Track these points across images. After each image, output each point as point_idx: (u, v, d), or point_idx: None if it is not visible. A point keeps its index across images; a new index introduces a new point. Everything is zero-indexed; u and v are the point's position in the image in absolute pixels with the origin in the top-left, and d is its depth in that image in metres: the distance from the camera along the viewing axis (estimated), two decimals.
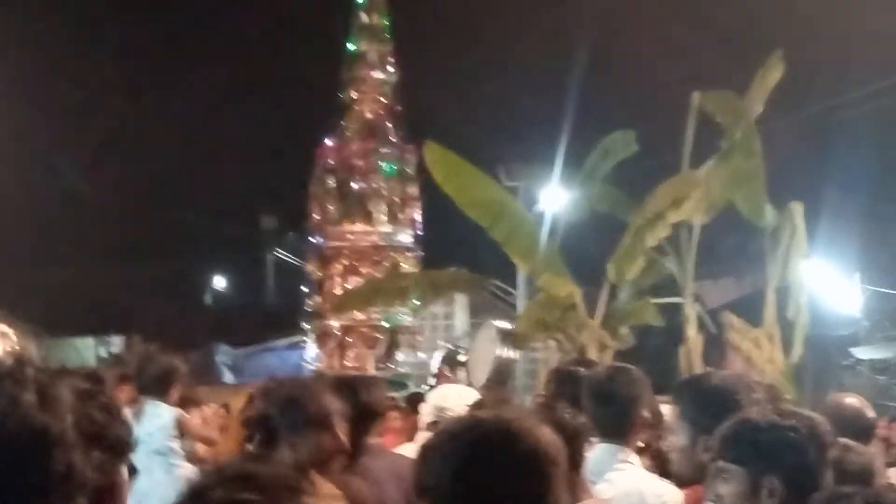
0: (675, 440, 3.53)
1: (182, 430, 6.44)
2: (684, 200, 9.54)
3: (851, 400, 4.62)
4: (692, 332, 10.12)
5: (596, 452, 3.86)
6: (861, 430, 4.34)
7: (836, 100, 15.80)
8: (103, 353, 19.24)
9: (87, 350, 19.78)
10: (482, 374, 9.99)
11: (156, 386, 6.36)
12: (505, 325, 10.76)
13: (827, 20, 15.06)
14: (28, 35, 21.16)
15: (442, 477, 2.08)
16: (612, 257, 10.05)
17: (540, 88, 18.26)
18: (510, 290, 16.37)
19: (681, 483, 3.59)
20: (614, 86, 18.27)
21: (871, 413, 4.60)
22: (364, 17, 16.29)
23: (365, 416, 4.29)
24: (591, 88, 14.51)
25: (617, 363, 4.44)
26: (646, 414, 4.04)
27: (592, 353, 9.69)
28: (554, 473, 2.07)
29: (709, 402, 3.40)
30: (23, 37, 20.71)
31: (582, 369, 4.77)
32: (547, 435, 2.10)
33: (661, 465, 4.26)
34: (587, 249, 11.38)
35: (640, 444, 4.29)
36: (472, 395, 5.33)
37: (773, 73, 10.18)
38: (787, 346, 9.96)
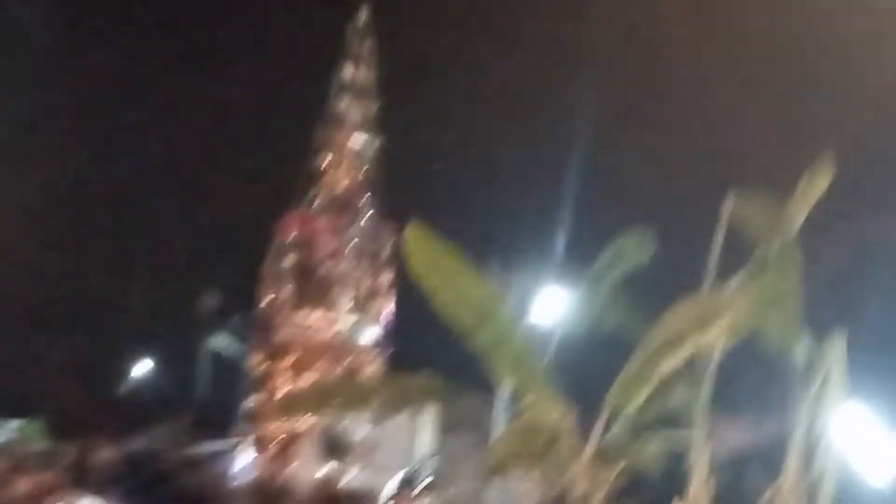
0: None
1: None
2: (709, 324, 9.56)
3: None
4: (699, 479, 10.08)
5: None
6: None
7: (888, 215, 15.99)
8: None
9: None
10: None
11: (99, 486, 6.36)
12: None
13: (884, 121, 15.32)
14: None
15: None
16: (615, 381, 10.04)
17: (548, 173, 18.42)
18: (489, 407, 16.32)
19: None
20: (632, 179, 18.46)
21: None
22: (349, 72, 16.44)
23: None
24: (606, 177, 14.68)
25: None
26: None
27: (580, 492, 9.65)
28: None
29: None
30: None
31: None
32: None
33: None
34: (585, 369, 11.37)
35: None
36: None
37: (820, 180, 10.29)
38: None
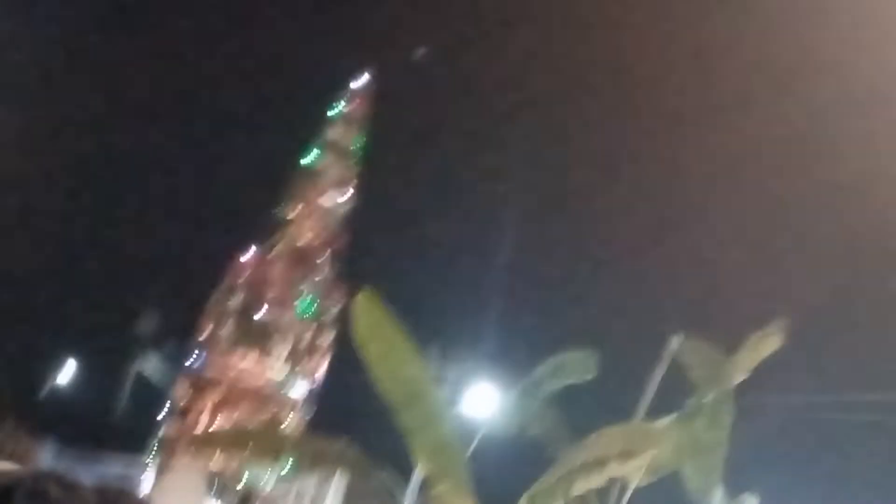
0: None
1: None
2: (634, 455, 9.57)
3: None
4: None
5: None
6: None
7: (819, 396, 16.17)
8: None
9: None
10: None
11: None
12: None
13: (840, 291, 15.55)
14: None
15: None
16: (528, 491, 10.03)
17: (510, 273, 18.52)
18: (401, 486, 16.21)
19: None
20: (584, 301, 18.59)
21: None
22: (334, 133, 16.49)
23: None
24: (556, 296, 14.78)
25: None
26: None
27: None
28: None
29: None
30: None
31: None
32: None
33: None
34: (503, 471, 11.36)
35: None
36: None
37: (767, 343, 10.39)
38: None
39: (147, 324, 28.36)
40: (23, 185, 24.43)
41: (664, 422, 10.38)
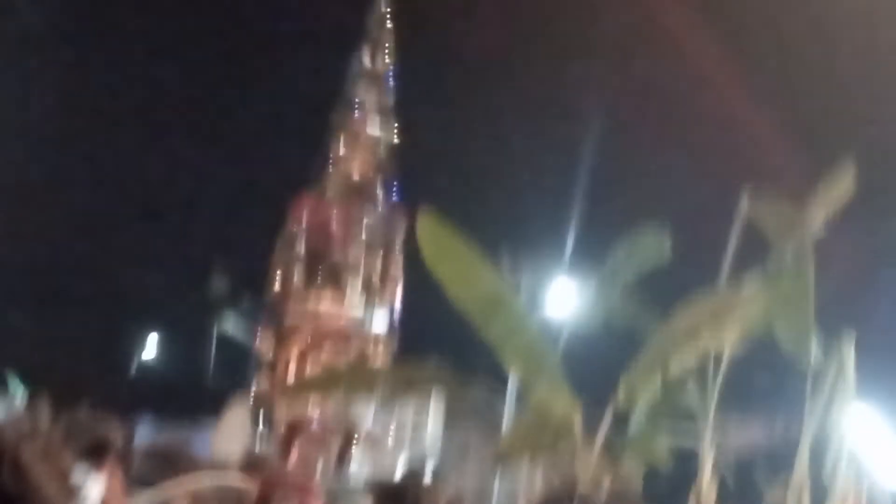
0: None
1: None
2: (721, 323, 9.54)
3: None
4: (707, 477, 10.07)
5: None
6: None
7: None
8: (1, 410, 19.07)
9: None
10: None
11: (88, 456, 6.25)
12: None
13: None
14: None
15: None
16: (624, 377, 10.03)
17: (562, 168, 18.40)
18: (498, 397, 16.31)
19: None
20: (646, 175, 18.43)
21: None
22: (366, 60, 16.40)
23: None
24: (618, 176, 14.65)
25: (617, 496, 4.45)
26: None
27: (585, 487, 9.63)
28: None
29: None
30: None
31: (572, 501, 4.79)
32: None
33: None
34: (595, 364, 11.35)
35: None
36: None
37: (840, 186, 10.27)
38: None
39: (219, 285, 28.66)
40: (87, 158, 24.65)
41: (748, 284, 10.33)
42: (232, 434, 9.69)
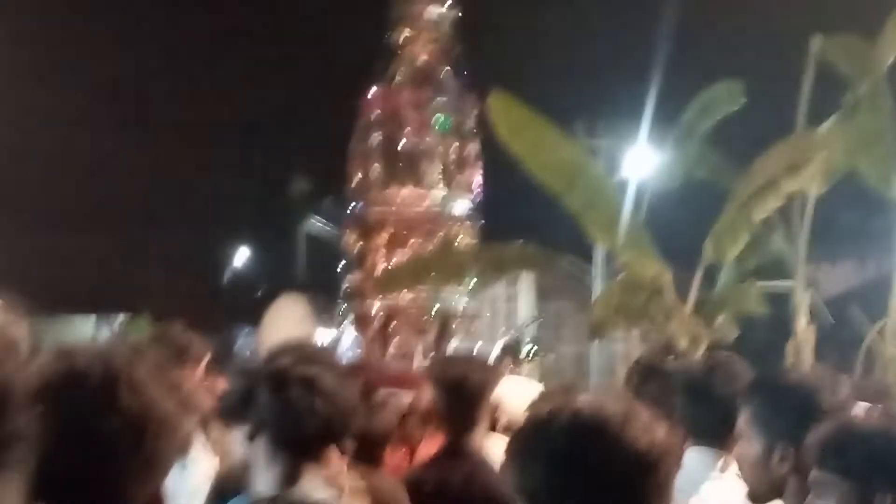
0: (748, 449, 3.55)
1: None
2: (802, 166, 9.50)
3: None
4: (803, 324, 10.13)
5: (688, 459, 3.91)
6: None
7: None
8: (105, 333, 19.53)
9: (86, 329, 20.14)
10: None
11: (174, 363, 6.37)
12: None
13: None
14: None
15: (531, 476, 2.10)
16: (710, 233, 10.07)
17: (626, 28, 18.22)
18: (586, 268, 16.40)
19: (755, 500, 3.62)
20: (716, 26, 18.18)
21: None
22: None
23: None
24: (689, 28, 14.45)
25: (716, 354, 4.50)
26: None
27: (683, 346, 9.73)
28: (661, 479, 2.07)
29: (787, 404, 3.44)
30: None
31: (671, 362, 4.86)
32: (657, 430, 2.09)
33: None
34: (680, 223, 11.40)
35: None
36: (536, 389, 5.46)
37: None
38: None
39: (300, 187, 28.95)
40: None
41: (826, 125, 10.26)
42: (280, 327, 9.69)
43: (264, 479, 3.48)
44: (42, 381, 1.85)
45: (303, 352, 3.70)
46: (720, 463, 3.99)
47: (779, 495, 3.42)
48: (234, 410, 3.58)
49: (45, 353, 1.94)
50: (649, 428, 2.08)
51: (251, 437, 3.51)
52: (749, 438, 3.51)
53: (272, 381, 3.55)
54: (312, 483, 3.47)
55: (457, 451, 4.74)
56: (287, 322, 10.69)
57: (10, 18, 19.55)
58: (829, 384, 3.51)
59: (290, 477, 3.44)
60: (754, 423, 3.50)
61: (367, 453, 4.58)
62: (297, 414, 3.43)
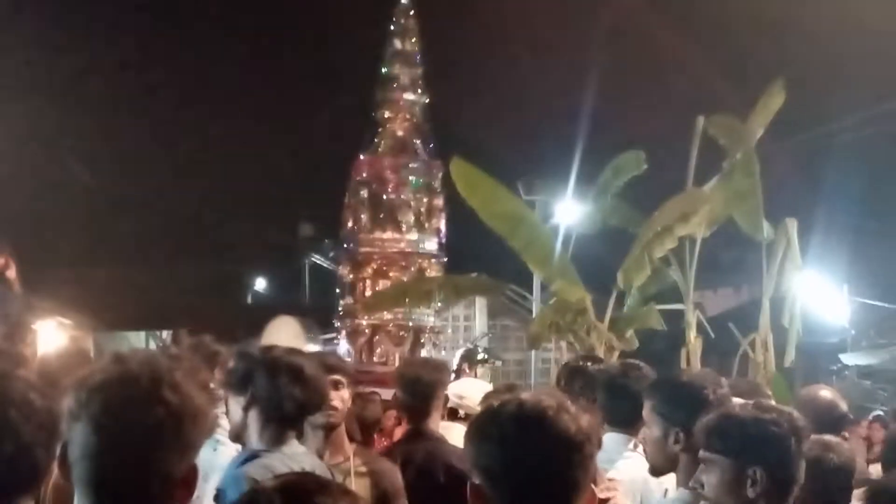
0: (649, 433, 3.55)
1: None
2: (691, 215, 9.55)
3: (825, 392, 4.58)
4: (692, 336, 10.14)
5: (606, 441, 3.91)
6: (833, 421, 4.32)
7: (829, 124, 15.83)
8: (153, 345, 19.38)
9: (138, 343, 19.97)
10: None
11: (205, 366, 6.31)
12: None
13: (822, 50, 15.08)
14: (65, 39, 21.27)
15: (485, 453, 2.08)
16: (621, 266, 10.08)
17: (556, 111, 18.31)
18: (526, 294, 16.38)
19: (655, 473, 3.62)
20: (626, 107, 18.29)
21: (843, 405, 4.54)
22: (397, 44, 16.32)
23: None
24: (605, 110, 14.54)
25: (629, 360, 4.50)
26: None
27: (600, 354, 9.72)
28: (586, 455, 2.07)
29: (679, 398, 3.44)
30: (60, 39, 20.83)
31: (590, 365, 4.85)
32: (583, 417, 2.09)
33: None
34: (597, 259, 11.41)
35: None
36: (487, 387, 5.43)
37: (774, 100, 10.20)
38: (780, 352, 9.97)
39: (306, 231, 28.96)
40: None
41: (709, 184, 10.33)
42: (276, 341, 9.57)
43: (256, 441, 3.48)
44: (103, 380, 1.87)
45: (291, 349, 3.75)
46: (631, 444, 3.98)
47: (673, 469, 3.42)
48: (235, 385, 3.59)
49: (105, 357, 1.94)
50: (576, 416, 2.08)
51: (246, 409, 3.52)
52: (650, 425, 3.51)
53: (267, 366, 3.56)
54: (293, 447, 3.49)
55: (416, 433, 4.70)
56: (282, 337, 10.58)
57: (55, 53, 19.31)
58: (712, 383, 3.52)
59: (277, 441, 3.46)
60: (654, 412, 3.50)
61: (361, 436, 4.57)
62: (283, 395, 3.46)
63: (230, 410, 3.63)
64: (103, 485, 1.86)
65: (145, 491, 1.85)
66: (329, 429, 4.02)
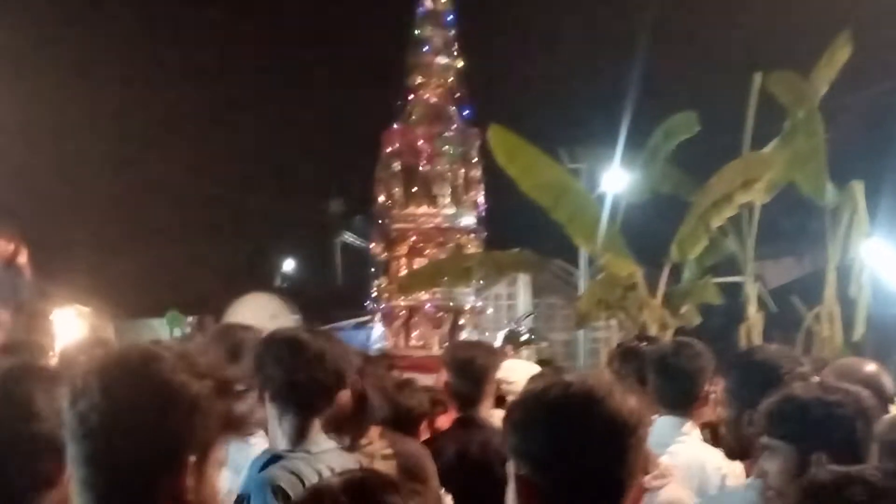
0: (724, 414, 3.53)
1: None
2: (752, 182, 9.47)
3: (870, 367, 4.45)
4: (752, 310, 10.07)
5: (658, 425, 3.88)
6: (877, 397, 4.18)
7: None
8: (178, 332, 19.52)
9: (162, 330, 20.15)
10: None
11: (229, 358, 6.32)
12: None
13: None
14: (98, 16, 21.43)
15: (531, 441, 2.08)
16: (675, 237, 10.02)
17: (602, 71, 18.18)
18: (573, 270, 16.34)
19: (730, 456, 3.60)
20: (676, 67, 18.12)
21: (888, 382, 4.38)
22: (428, 3, 16.22)
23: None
24: (653, 70, 14.38)
25: (681, 338, 4.46)
26: (710, 388, 4.04)
27: (653, 332, 9.67)
28: (638, 439, 2.07)
29: (754, 377, 3.38)
30: (92, 17, 20.99)
31: (644, 345, 4.81)
32: (632, 400, 2.09)
33: (715, 439, 4.29)
34: (648, 230, 11.34)
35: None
36: (534, 370, 5.41)
37: (840, 54, 10.06)
38: (848, 324, 9.88)
39: (336, 208, 29.05)
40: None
41: (769, 147, 10.22)
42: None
43: (281, 436, 3.40)
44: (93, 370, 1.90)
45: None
46: (686, 427, 3.96)
47: (749, 454, 3.37)
48: (253, 373, 3.50)
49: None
50: (625, 398, 2.07)
51: (261, 398, 3.44)
52: (725, 405, 3.49)
53: (273, 347, 3.51)
54: (320, 443, 3.38)
55: (469, 422, 4.71)
56: (252, 315, 10.49)
57: (75, 31, 19.45)
58: (788, 360, 3.48)
59: (301, 434, 3.37)
60: (728, 392, 3.48)
61: (405, 428, 4.55)
62: (297, 377, 3.38)
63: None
64: (95, 485, 1.88)
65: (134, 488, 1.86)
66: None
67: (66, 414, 1.89)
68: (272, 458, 3.31)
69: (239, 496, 3.29)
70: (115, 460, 1.86)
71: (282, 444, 3.39)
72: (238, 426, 1.98)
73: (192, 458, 1.89)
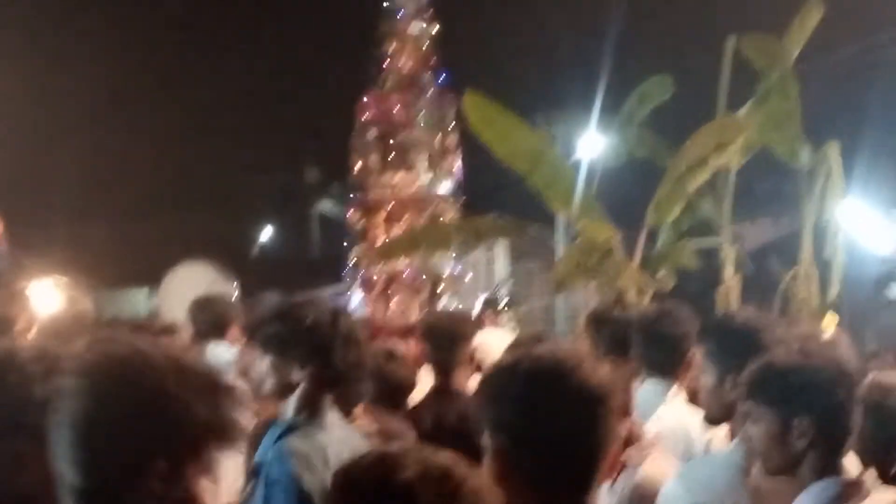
0: (703, 380, 3.52)
1: (246, 367, 6.41)
2: (727, 145, 9.46)
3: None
4: (730, 273, 10.09)
5: (645, 389, 3.88)
6: None
7: (873, 39, 15.56)
8: (155, 303, 19.43)
9: (139, 301, 20.07)
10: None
11: (213, 329, 6.30)
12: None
13: None
14: None
15: (503, 413, 2.10)
16: (651, 202, 10.01)
17: (576, 36, 18.15)
18: (550, 234, 16.35)
19: (711, 422, 3.60)
20: (650, 31, 18.08)
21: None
22: None
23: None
24: (627, 34, 14.35)
25: (664, 304, 4.46)
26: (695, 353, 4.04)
27: (631, 296, 9.69)
28: (608, 409, 2.09)
29: (733, 342, 3.39)
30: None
31: (619, 311, 4.82)
32: (602, 370, 2.11)
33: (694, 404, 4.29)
34: (624, 194, 11.33)
35: None
36: (510, 338, 5.42)
37: (811, 16, 10.05)
38: (824, 285, 9.92)
39: (313, 176, 28.94)
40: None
41: (743, 110, 10.21)
42: (185, 291, 9.10)
43: (292, 406, 3.46)
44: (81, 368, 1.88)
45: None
46: (671, 391, 3.96)
47: (729, 418, 3.39)
48: (273, 347, 3.52)
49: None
50: (595, 369, 2.09)
51: (280, 371, 3.47)
52: (705, 371, 3.49)
53: (318, 330, 3.52)
54: (329, 416, 3.45)
55: (445, 391, 4.71)
56: (192, 285, 10.41)
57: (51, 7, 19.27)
58: (767, 325, 3.48)
59: (316, 408, 3.43)
60: (708, 358, 3.48)
61: (391, 399, 4.54)
62: (336, 359, 3.43)
63: (257, 367, 3.61)
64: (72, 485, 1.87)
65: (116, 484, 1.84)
66: None
67: (51, 412, 1.87)
68: (288, 428, 3.42)
69: (255, 464, 3.38)
70: (91, 460, 1.84)
71: (294, 415, 3.47)
72: (229, 435, 1.93)
73: (163, 464, 1.84)
